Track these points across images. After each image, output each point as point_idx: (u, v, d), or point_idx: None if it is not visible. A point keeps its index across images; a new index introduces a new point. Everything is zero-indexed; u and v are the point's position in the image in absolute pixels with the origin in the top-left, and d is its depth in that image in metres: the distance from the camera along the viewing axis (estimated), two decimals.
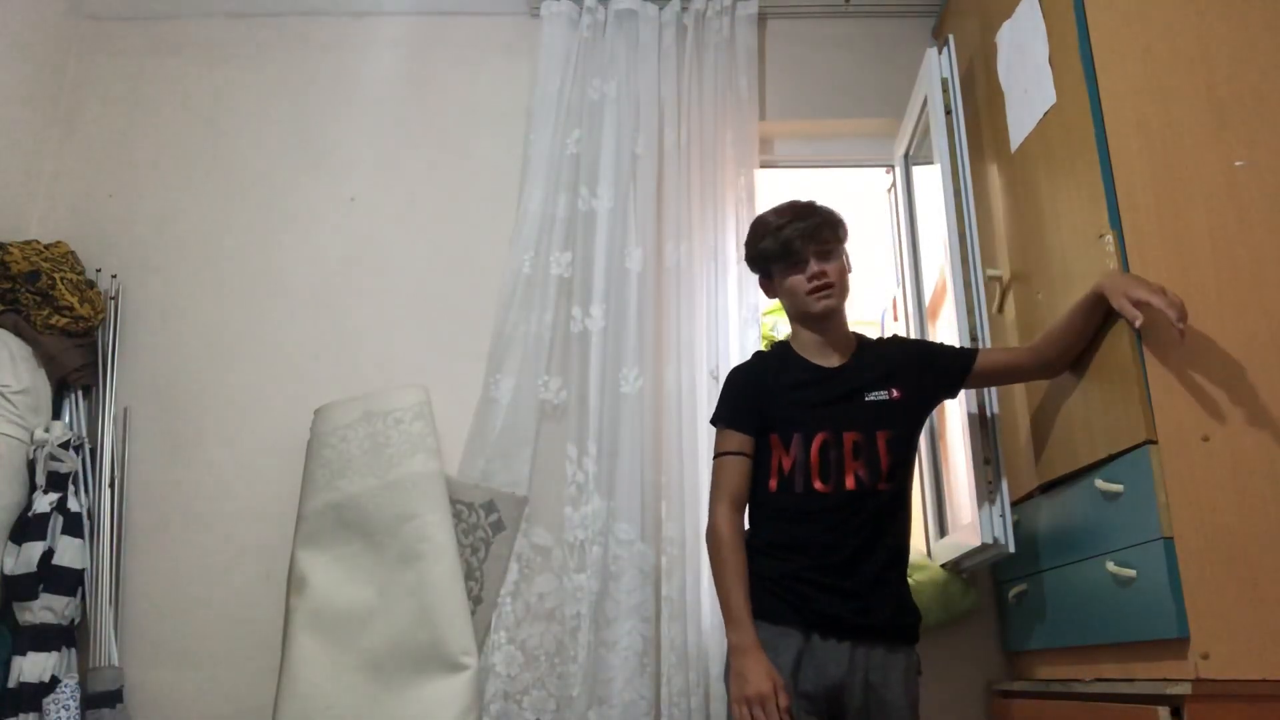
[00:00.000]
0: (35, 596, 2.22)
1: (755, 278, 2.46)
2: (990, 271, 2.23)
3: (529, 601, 2.29)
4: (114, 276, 2.65)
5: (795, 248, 1.82)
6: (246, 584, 2.41)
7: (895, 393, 1.82)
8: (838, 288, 1.83)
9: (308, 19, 2.92)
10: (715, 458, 1.85)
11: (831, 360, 1.86)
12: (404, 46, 2.88)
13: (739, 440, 1.82)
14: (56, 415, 2.46)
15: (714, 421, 1.90)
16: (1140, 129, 1.71)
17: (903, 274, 2.73)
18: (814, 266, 1.81)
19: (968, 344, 2.10)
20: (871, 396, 1.81)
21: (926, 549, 2.51)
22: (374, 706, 2.11)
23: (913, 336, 2.55)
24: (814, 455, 1.76)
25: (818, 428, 1.77)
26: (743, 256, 2.47)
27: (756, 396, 1.84)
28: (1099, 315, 1.70)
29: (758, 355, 2.03)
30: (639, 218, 2.51)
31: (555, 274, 2.50)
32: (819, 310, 1.83)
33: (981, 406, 2.10)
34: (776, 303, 3.39)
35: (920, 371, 1.87)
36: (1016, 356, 1.90)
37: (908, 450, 1.83)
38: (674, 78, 2.65)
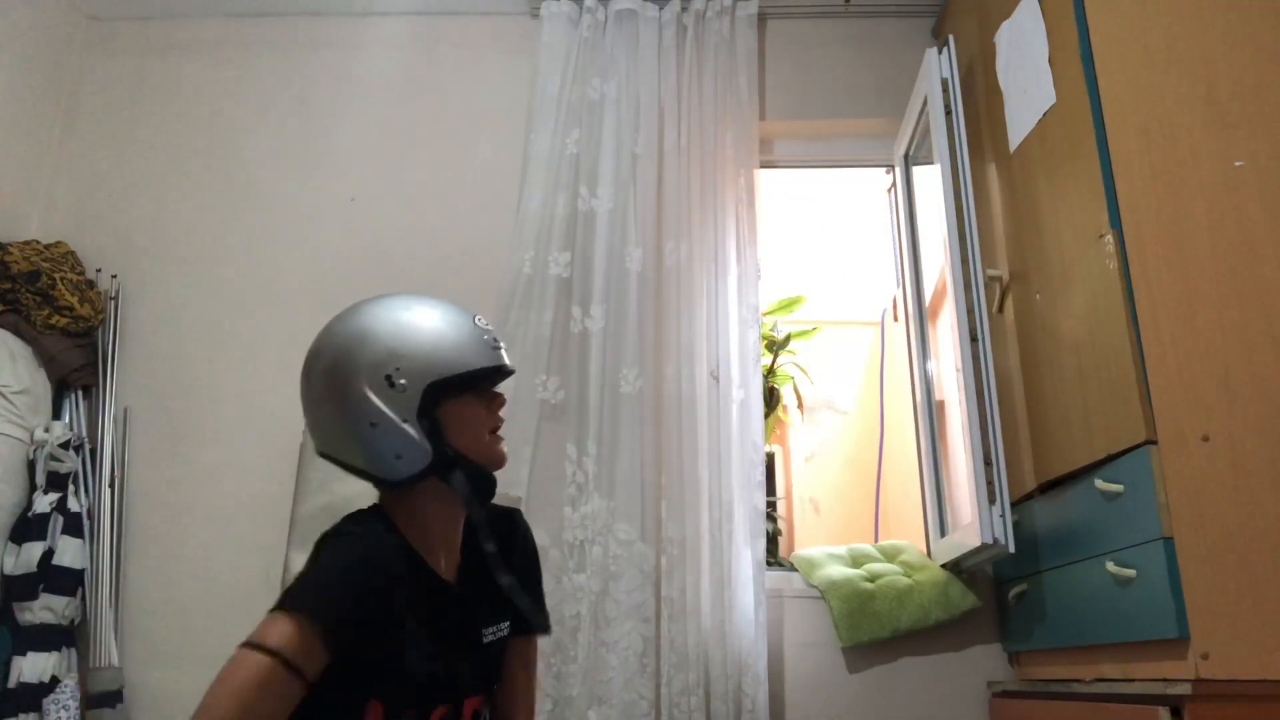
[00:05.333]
0: (35, 596, 2.22)
1: (756, 277, 2.48)
2: (990, 271, 2.23)
3: None
4: (114, 276, 2.65)
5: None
6: (246, 584, 2.41)
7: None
8: None
9: (308, 19, 2.92)
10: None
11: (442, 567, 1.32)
12: (404, 46, 2.88)
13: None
14: (56, 415, 2.46)
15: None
16: (1140, 129, 1.71)
17: (903, 274, 2.73)
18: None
19: (967, 345, 2.10)
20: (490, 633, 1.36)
21: (926, 549, 2.51)
22: None
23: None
24: None
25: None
26: (743, 257, 2.49)
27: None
28: None
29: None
30: (639, 218, 2.51)
31: (555, 274, 2.50)
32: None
33: (982, 406, 2.10)
34: (777, 302, 3.42)
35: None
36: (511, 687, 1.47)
37: None
38: (674, 78, 2.65)
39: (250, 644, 1.05)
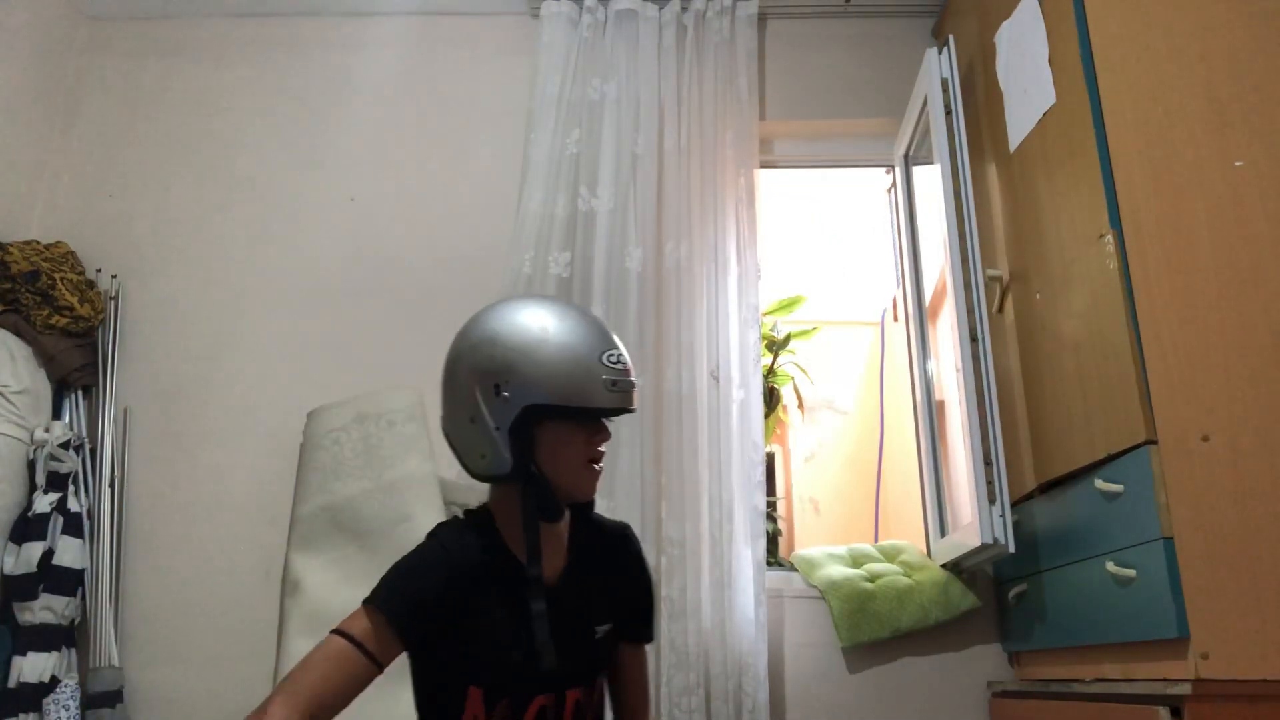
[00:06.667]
0: (35, 596, 2.22)
1: (756, 277, 2.48)
2: (990, 271, 2.23)
3: None
4: (114, 276, 2.65)
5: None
6: (246, 584, 2.41)
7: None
8: None
9: (308, 19, 2.92)
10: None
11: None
12: (404, 46, 2.88)
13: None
14: (56, 415, 2.46)
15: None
16: (1140, 129, 1.71)
17: (903, 274, 2.73)
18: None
19: (967, 345, 2.10)
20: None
21: (926, 549, 2.51)
22: (368, 708, 2.11)
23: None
24: None
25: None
26: (743, 257, 2.49)
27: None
28: None
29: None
30: (639, 218, 2.51)
31: (555, 274, 2.50)
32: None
33: (982, 406, 2.10)
34: (777, 302, 3.42)
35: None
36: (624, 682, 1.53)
37: None
38: (674, 78, 2.65)
39: (335, 630, 1.26)
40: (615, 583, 1.45)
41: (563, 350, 1.29)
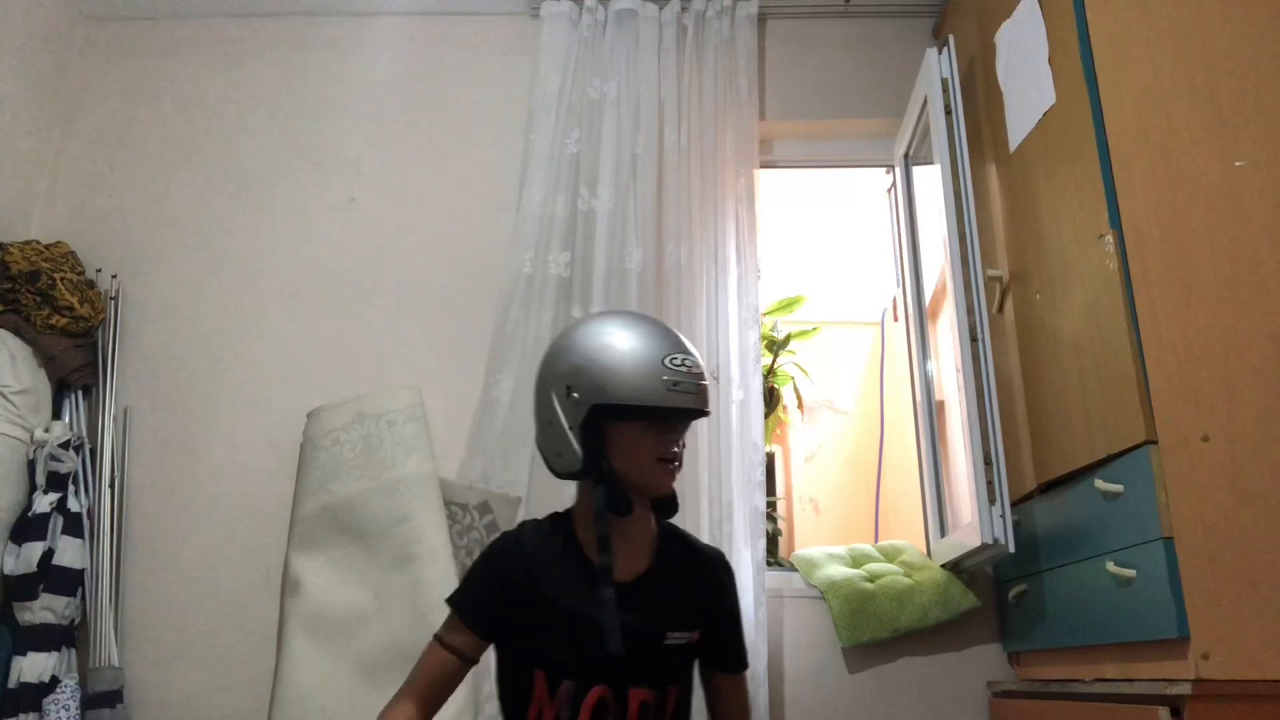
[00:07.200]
0: (35, 596, 2.22)
1: (756, 277, 2.48)
2: (990, 271, 2.23)
3: None
4: (114, 276, 2.65)
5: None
6: (246, 584, 2.41)
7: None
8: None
9: (308, 19, 2.92)
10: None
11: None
12: (404, 46, 2.88)
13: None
14: (56, 415, 2.46)
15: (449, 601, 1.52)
16: (1140, 129, 1.71)
17: (903, 274, 2.73)
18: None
19: (967, 345, 2.10)
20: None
21: (926, 549, 2.51)
22: (369, 709, 2.11)
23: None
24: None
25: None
26: (743, 257, 2.49)
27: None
28: None
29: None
30: (639, 218, 2.51)
31: (555, 274, 2.50)
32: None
33: (982, 406, 2.10)
34: (777, 302, 3.42)
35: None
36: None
37: None
38: (674, 78, 2.65)
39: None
40: (698, 599, 1.51)
41: (626, 354, 1.40)
